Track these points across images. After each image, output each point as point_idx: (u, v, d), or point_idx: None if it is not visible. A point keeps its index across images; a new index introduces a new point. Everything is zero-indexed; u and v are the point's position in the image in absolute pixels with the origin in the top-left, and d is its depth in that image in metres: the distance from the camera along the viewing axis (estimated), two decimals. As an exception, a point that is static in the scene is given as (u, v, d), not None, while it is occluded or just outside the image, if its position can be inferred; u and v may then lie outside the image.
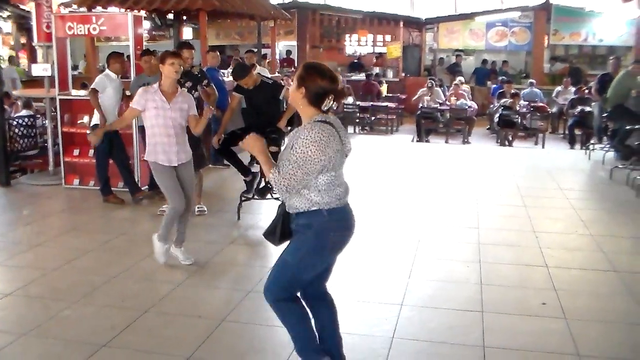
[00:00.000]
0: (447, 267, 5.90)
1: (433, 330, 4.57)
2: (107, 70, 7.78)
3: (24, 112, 10.20)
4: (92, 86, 7.71)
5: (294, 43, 19.75)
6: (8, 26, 17.67)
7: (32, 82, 13.87)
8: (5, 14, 16.19)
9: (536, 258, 6.10)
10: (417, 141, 14.58)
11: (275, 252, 6.19)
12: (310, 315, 3.65)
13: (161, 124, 5.45)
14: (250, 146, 3.44)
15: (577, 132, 13.93)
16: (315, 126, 3.25)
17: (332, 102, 3.32)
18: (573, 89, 15.84)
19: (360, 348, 4.28)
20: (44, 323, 4.57)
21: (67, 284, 5.33)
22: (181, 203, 5.55)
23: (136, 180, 8.20)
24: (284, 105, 7.76)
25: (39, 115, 10.18)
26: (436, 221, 7.35)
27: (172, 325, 4.55)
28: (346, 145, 3.42)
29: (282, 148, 7.03)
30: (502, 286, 5.42)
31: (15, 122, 9.62)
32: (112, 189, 8.04)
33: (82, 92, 9.34)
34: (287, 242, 3.57)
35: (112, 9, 10.13)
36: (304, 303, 3.65)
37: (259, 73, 7.59)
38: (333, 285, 5.26)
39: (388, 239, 6.72)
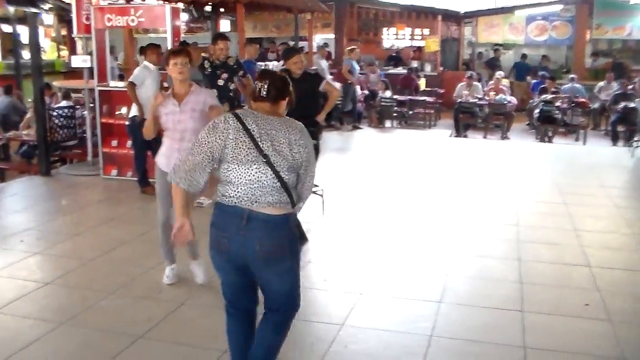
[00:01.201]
0: (485, 264, 5.79)
1: (472, 328, 4.49)
2: (145, 62, 7.82)
3: (63, 103, 10.30)
4: (129, 79, 7.75)
5: (332, 36, 19.64)
6: (50, 18, 17.89)
7: (72, 73, 14.01)
8: (47, 6, 16.39)
9: (577, 257, 5.96)
10: (455, 136, 14.39)
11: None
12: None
13: (170, 127, 4.92)
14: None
15: (620, 128, 13.58)
16: (216, 118, 3.26)
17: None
18: (616, 84, 15.48)
19: (395, 346, 4.22)
20: (81, 313, 4.61)
21: (105, 275, 5.37)
22: (163, 215, 5.09)
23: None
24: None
25: (78, 106, 10.27)
26: (474, 218, 7.23)
27: (209, 318, 4.53)
28: (261, 142, 3.11)
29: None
30: (542, 285, 5.31)
31: (55, 113, 9.73)
32: (150, 180, 8.07)
33: (121, 84, 9.41)
34: None
35: (151, 1, 10.17)
36: (243, 318, 3.46)
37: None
38: (369, 281, 5.26)
39: (425, 235, 6.63)
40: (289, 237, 3.22)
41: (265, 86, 3.22)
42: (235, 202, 3.14)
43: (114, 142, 8.81)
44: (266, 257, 3.16)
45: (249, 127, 3.13)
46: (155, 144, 7.74)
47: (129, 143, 8.39)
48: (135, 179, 8.16)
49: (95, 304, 4.76)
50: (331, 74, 14.66)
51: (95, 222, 7.05)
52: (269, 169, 3.11)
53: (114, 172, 8.86)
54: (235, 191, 3.14)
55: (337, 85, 14.05)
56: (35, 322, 4.48)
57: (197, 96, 4.93)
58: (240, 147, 3.11)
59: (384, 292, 5.10)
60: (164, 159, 4.98)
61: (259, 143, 3.11)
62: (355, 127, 14.32)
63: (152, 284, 5.18)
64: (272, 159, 3.11)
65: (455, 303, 4.91)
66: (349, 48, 14.63)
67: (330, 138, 12.28)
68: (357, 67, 14.42)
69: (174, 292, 5.00)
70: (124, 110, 8.57)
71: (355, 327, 4.48)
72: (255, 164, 3.11)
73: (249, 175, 3.11)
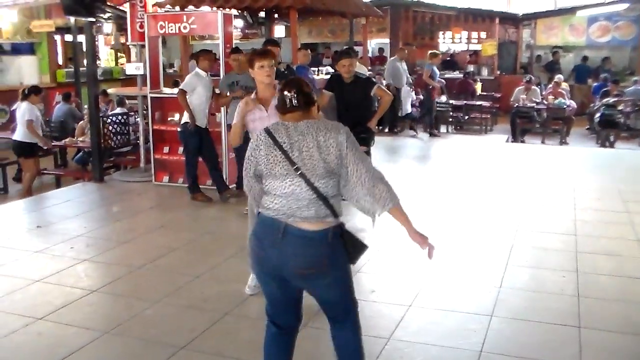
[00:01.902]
0: (541, 276, 5.55)
1: (525, 344, 4.28)
2: (196, 69, 7.82)
3: (118, 110, 10.46)
4: (180, 87, 7.78)
5: (387, 40, 19.47)
6: (109, 27, 18.29)
7: (129, 80, 14.25)
8: (106, 15, 16.74)
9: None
10: (512, 141, 14.04)
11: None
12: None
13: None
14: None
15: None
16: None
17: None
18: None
19: (445, 361, 4.05)
20: (126, 321, 4.60)
21: (151, 283, 5.36)
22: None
23: (224, 178, 8.21)
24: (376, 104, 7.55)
25: (132, 113, 10.41)
26: (530, 226, 6.96)
27: (253, 330, 4.42)
28: (292, 153, 3.03)
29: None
30: (601, 299, 5.05)
31: (109, 120, 9.87)
32: (200, 186, 8.09)
33: (174, 90, 9.48)
34: None
35: (204, 8, 10.22)
36: (281, 336, 3.35)
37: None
38: (419, 293, 5.09)
39: (479, 244, 6.42)
40: (327, 252, 3.07)
41: (295, 95, 3.13)
42: (273, 215, 3.06)
43: (166, 149, 8.87)
44: (302, 274, 3.07)
45: (279, 140, 3.05)
46: (206, 150, 7.81)
47: (180, 150, 8.43)
48: (186, 185, 8.17)
49: (140, 313, 4.74)
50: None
51: (145, 229, 7.08)
52: (302, 181, 3.01)
53: (166, 178, 8.91)
54: (273, 203, 3.06)
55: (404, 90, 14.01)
56: (79, 330, 4.48)
57: None
58: (272, 162, 3.05)
59: (434, 305, 4.93)
60: None
61: (290, 155, 3.02)
62: (433, 135, 14.02)
63: (197, 293, 5.14)
64: (303, 169, 3.00)
65: (507, 317, 4.69)
66: (431, 52, 14.43)
67: (382, 142, 12.09)
68: (437, 72, 14.22)
69: (219, 302, 4.93)
70: (176, 117, 8.62)
71: (402, 341, 4.33)
72: (289, 178, 3.02)
73: (284, 189, 3.04)
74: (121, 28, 18.44)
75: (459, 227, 6.92)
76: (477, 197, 8.30)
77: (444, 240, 6.48)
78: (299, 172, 3.01)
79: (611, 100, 13.60)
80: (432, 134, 14.00)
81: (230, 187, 8.16)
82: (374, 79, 8.64)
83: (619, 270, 5.67)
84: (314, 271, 3.06)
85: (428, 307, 4.90)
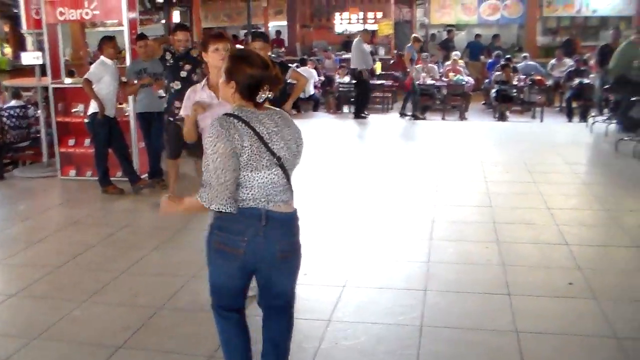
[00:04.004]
0: (465, 248, 5.71)
1: (462, 316, 4.39)
2: (102, 58, 7.48)
3: (13, 103, 9.86)
4: (85, 76, 7.43)
5: (284, 23, 19.40)
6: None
7: (19, 71, 13.49)
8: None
9: (555, 236, 5.93)
10: (412, 115, 14.30)
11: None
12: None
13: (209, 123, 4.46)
14: (166, 211, 3.06)
15: (574, 104, 13.74)
16: (215, 121, 2.88)
17: (267, 93, 2.97)
18: (568, 60, 15.68)
19: (388, 339, 4.09)
20: (54, 325, 4.35)
21: (74, 282, 5.10)
22: None
23: (135, 169, 7.94)
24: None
25: (29, 105, 9.86)
26: (447, 201, 7.15)
27: (191, 322, 4.34)
28: (272, 144, 2.90)
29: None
30: (525, 267, 5.26)
31: (6, 114, 9.31)
32: (111, 178, 7.79)
33: (69, 80, 9.08)
34: None
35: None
36: (241, 320, 3.22)
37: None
38: (350, 273, 5.12)
39: (401, 221, 6.52)
40: (298, 234, 3.10)
41: (268, 91, 2.98)
42: (251, 204, 2.92)
43: (71, 142, 8.44)
44: (285, 257, 3.02)
45: (258, 130, 2.89)
46: (115, 141, 7.50)
47: (88, 141, 8.07)
48: (96, 178, 7.83)
49: (68, 315, 4.49)
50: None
51: (57, 226, 6.75)
52: (280, 170, 2.94)
53: (73, 172, 8.50)
54: (249, 193, 2.91)
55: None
56: (2, 339, 4.19)
57: None
58: (256, 154, 2.85)
59: (368, 283, 4.97)
60: None
61: (270, 145, 2.90)
62: (416, 117, 13.71)
63: (126, 288, 4.94)
64: (283, 159, 2.93)
65: (441, 290, 4.80)
66: (414, 36, 14.47)
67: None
68: (416, 56, 14.14)
69: (150, 297, 4.76)
70: (80, 107, 8.23)
71: (343, 322, 4.34)
72: (269, 169, 2.90)
73: (263, 179, 2.90)
74: (5, 16, 17.47)
75: (379, 206, 7.00)
76: (391, 175, 8.42)
77: (366, 220, 6.56)
78: (280, 162, 2.92)
79: (503, 74, 14.11)
80: (415, 117, 13.70)
81: (142, 177, 7.90)
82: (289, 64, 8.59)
83: (537, 238, 5.91)
84: (295, 251, 3.08)
85: (362, 286, 4.93)
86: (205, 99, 4.36)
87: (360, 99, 13.91)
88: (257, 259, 2.98)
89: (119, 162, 7.72)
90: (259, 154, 2.86)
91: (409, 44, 14.09)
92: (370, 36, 14.79)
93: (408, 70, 13.88)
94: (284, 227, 3.01)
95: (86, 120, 7.58)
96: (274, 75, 2.99)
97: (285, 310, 3.25)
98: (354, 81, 14.01)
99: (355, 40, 13.93)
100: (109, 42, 7.53)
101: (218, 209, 2.82)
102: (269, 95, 2.98)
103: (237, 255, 2.96)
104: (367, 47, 14.13)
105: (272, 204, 2.95)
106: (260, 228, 2.93)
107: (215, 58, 4.33)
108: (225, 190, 2.81)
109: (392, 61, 15.61)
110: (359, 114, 13.83)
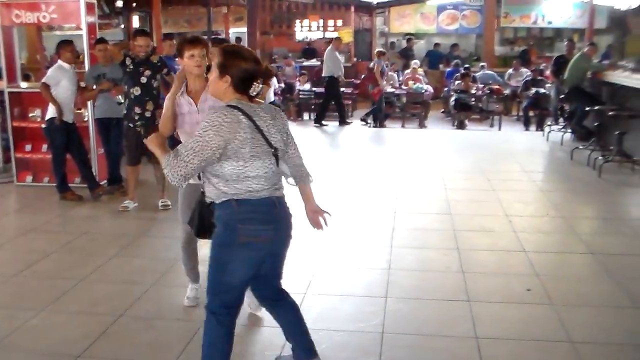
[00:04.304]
0: (425, 255, 5.78)
1: (423, 322, 4.44)
2: (59, 62, 7.37)
3: (-33, 107, 9.65)
4: (43, 80, 7.31)
5: (244, 30, 19.35)
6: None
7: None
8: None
9: (513, 243, 6.03)
10: (373, 126, 14.44)
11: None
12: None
13: (187, 130, 4.18)
14: (150, 143, 3.18)
15: (531, 113, 14.02)
16: (219, 110, 3.02)
17: (260, 86, 3.12)
18: (525, 70, 16.00)
19: (350, 346, 4.11)
20: (9, 335, 4.25)
21: (31, 291, 5.00)
22: (186, 229, 4.34)
23: (94, 175, 7.83)
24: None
25: (-17, 110, 9.64)
26: (407, 208, 7.22)
27: (150, 331, 4.30)
28: (270, 137, 3.08)
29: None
30: (484, 273, 5.34)
31: (-43, 119, 9.09)
32: (69, 185, 7.67)
33: (25, 84, 8.92)
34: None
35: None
36: (232, 324, 3.32)
37: None
38: (310, 280, 5.13)
39: (361, 229, 6.56)
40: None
41: (260, 84, 3.14)
42: (264, 194, 3.14)
43: (28, 147, 8.28)
44: (290, 236, 3.37)
45: (258, 123, 3.05)
46: (73, 146, 7.39)
47: (45, 147, 7.94)
48: (53, 184, 7.70)
49: (25, 324, 4.39)
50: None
51: (13, 233, 6.62)
52: (275, 161, 3.15)
53: (29, 178, 8.34)
54: (258, 184, 3.11)
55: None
56: (-43, 350, 4.10)
57: None
58: (257, 145, 3.04)
59: (329, 290, 4.98)
60: None
61: (268, 137, 3.08)
62: (383, 126, 14.19)
63: (85, 297, 4.86)
64: (278, 150, 3.15)
65: (401, 297, 4.84)
66: (379, 50, 14.94)
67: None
68: (386, 69, 14.43)
69: (109, 305, 4.70)
70: (37, 112, 8.09)
71: (305, 329, 4.34)
72: (268, 158, 3.10)
73: (265, 168, 3.10)
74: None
75: (339, 213, 7.00)
76: (352, 183, 8.48)
77: (329, 226, 6.55)
78: (275, 152, 3.13)
79: (462, 83, 14.33)
80: (382, 126, 14.15)
81: (101, 184, 7.80)
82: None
83: (495, 245, 6.02)
84: (291, 234, 3.38)
85: (324, 294, 4.95)
86: (183, 105, 4.25)
87: (337, 107, 14.10)
88: (279, 243, 3.28)
89: (78, 168, 7.62)
90: (259, 145, 3.04)
91: (376, 59, 14.27)
92: (341, 43, 14.98)
93: (379, 84, 14.04)
94: (286, 210, 3.29)
95: (43, 126, 7.46)
96: (265, 68, 3.19)
97: (285, 294, 3.58)
98: (321, 89, 14.15)
99: (328, 48, 14.03)
100: (66, 46, 7.42)
101: (167, 176, 3.03)
102: (261, 89, 3.13)
103: (265, 244, 3.18)
104: (339, 55, 14.27)
105: (276, 190, 3.20)
106: (277, 214, 3.21)
107: (190, 65, 4.17)
108: (185, 169, 2.98)
109: (363, 76, 15.72)
110: (319, 121, 13.89)
